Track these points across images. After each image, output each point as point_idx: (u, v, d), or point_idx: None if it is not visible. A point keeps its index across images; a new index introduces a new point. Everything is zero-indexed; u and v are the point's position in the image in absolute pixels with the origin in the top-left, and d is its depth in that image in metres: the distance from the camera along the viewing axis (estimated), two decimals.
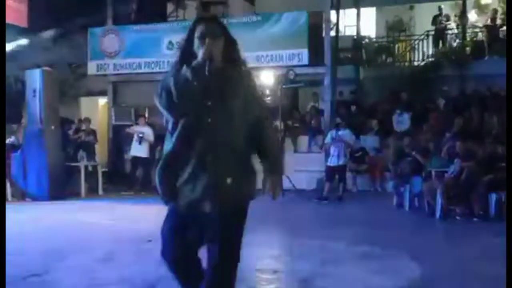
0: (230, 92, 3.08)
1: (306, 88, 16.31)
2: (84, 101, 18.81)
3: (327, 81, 15.02)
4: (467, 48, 17.85)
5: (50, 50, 16.73)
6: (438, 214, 9.84)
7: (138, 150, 14.16)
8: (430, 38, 18.59)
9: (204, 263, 3.25)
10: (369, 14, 21.27)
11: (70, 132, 15.10)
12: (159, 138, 12.33)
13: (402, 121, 15.04)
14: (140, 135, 13.97)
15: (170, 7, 18.58)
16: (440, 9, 18.69)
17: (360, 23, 19.67)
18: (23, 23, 14.24)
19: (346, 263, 6.57)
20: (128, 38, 16.20)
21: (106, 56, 16.54)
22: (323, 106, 15.68)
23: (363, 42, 19.81)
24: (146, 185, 13.81)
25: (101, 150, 16.60)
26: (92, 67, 16.79)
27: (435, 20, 18.53)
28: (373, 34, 21.04)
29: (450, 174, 10.00)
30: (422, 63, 18.37)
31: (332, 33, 15.43)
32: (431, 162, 10.76)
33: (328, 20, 15.23)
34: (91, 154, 14.92)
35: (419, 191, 10.71)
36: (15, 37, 15.34)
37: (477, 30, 18.61)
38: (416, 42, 19.15)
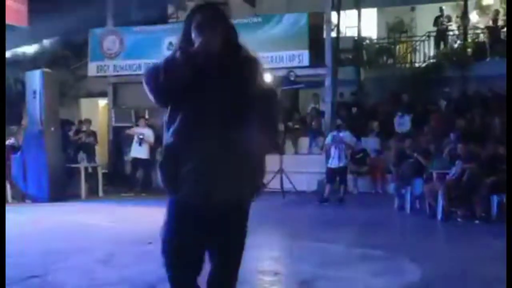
0: (230, 81, 2.96)
1: (306, 89, 16.30)
2: (84, 102, 18.80)
3: (327, 82, 15.00)
4: (469, 50, 17.84)
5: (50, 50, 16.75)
6: (439, 216, 9.80)
7: (138, 151, 14.14)
8: (432, 39, 18.61)
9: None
10: (370, 15, 21.25)
11: (71, 133, 15.09)
12: (159, 140, 12.29)
13: (403, 123, 15.03)
14: (140, 136, 13.94)
15: (170, 8, 18.58)
16: (441, 10, 18.68)
17: (361, 24, 19.67)
18: (24, 24, 14.20)
19: (347, 265, 6.53)
20: (129, 39, 16.20)
21: (106, 57, 16.52)
22: (323, 108, 15.66)
23: (364, 43, 19.81)
24: (146, 186, 13.80)
25: (101, 152, 16.59)
26: (92, 68, 16.78)
27: (437, 21, 18.52)
28: (374, 35, 21.04)
29: (451, 176, 9.95)
30: (423, 65, 18.38)
31: (333, 34, 15.42)
32: (432, 163, 10.72)
33: (329, 21, 15.21)
34: (91, 156, 14.91)
35: (420, 193, 10.67)
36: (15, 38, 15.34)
37: (479, 31, 18.62)
38: (417, 43, 19.15)
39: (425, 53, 18.69)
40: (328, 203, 11.96)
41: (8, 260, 5.00)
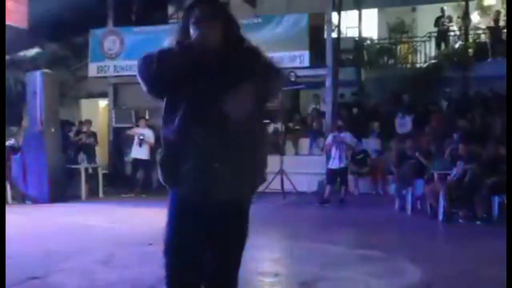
0: (231, 75, 2.87)
1: (307, 90, 16.26)
2: (85, 103, 18.79)
3: (328, 83, 14.97)
4: (470, 50, 17.81)
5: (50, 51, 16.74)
6: (440, 217, 9.76)
7: (139, 152, 14.11)
8: (433, 39, 18.58)
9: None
10: (370, 16, 21.22)
11: (71, 134, 15.08)
12: (160, 140, 12.26)
13: (404, 124, 15.01)
14: (141, 137, 13.92)
15: (171, 9, 18.57)
16: (442, 10, 18.65)
17: (362, 25, 19.64)
18: (23, 24, 14.19)
19: (347, 267, 6.51)
20: (129, 39, 16.16)
21: (107, 58, 16.50)
22: (324, 108, 15.63)
23: (365, 43, 19.79)
24: (146, 187, 13.77)
25: (102, 152, 16.57)
26: (92, 69, 16.75)
27: (438, 21, 18.49)
28: (375, 36, 21.00)
29: (452, 177, 9.92)
30: (424, 65, 18.34)
31: (334, 34, 15.38)
32: (433, 164, 10.69)
33: (330, 22, 15.18)
34: (91, 156, 14.90)
35: (421, 193, 10.65)
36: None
37: (480, 31, 18.58)
38: (418, 43, 19.12)
39: (426, 53, 18.66)
40: (329, 204, 11.93)
41: (8, 261, 5.01)
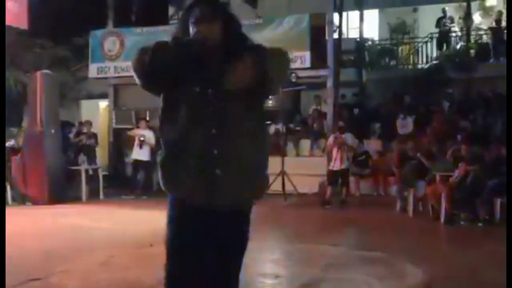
0: (233, 74, 2.80)
1: (308, 91, 16.21)
2: (85, 104, 18.79)
3: (329, 83, 14.94)
4: (472, 51, 17.79)
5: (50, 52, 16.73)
6: (442, 218, 9.72)
7: (139, 153, 14.05)
8: (434, 40, 18.54)
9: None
10: (372, 16, 21.19)
11: (71, 135, 15.06)
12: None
13: (405, 125, 14.98)
14: (141, 138, 13.87)
15: (171, 10, 18.55)
16: (444, 11, 18.63)
17: (363, 25, 19.61)
18: (24, 25, 14.17)
19: (348, 268, 6.52)
20: (129, 40, 16.11)
21: (107, 59, 16.47)
22: (325, 109, 15.59)
23: (366, 44, 19.76)
24: (147, 189, 13.72)
25: (102, 154, 16.55)
26: (92, 70, 16.71)
27: (439, 22, 18.47)
28: (376, 37, 20.98)
29: (454, 178, 9.88)
30: (426, 66, 18.30)
31: (335, 35, 15.33)
32: (435, 165, 10.65)
33: (331, 23, 15.14)
34: (92, 158, 14.89)
35: (423, 195, 10.60)
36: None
37: (482, 32, 18.55)
38: (420, 44, 19.09)
39: (428, 54, 18.64)
40: (330, 206, 11.89)
41: (9, 263, 5.02)
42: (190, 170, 2.83)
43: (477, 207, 9.57)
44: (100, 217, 10.88)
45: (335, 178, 12.10)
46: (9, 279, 4.75)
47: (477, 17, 19.66)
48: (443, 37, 18.44)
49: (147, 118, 14.73)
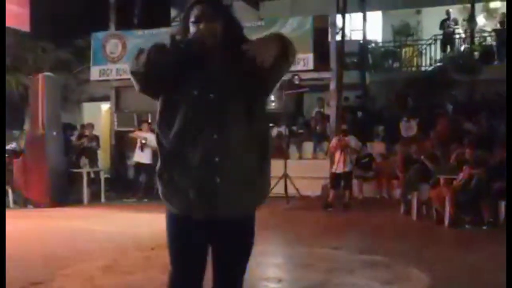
0: (235, 76, 2.74)
1: (311, 93, 16.19)
2: (87, 106, 18.75)
3: (332, 86, 14.89)
4: (476, 53, 17.72)
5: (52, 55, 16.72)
6: (446, 222, 9.67)
7: (141, 156, 14.02)
8: (438, 42, 18.48)
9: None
10: (375, 18, 21.14)
11: (73, 138, 15.03)
12: None
13: (409, 127, 14.91)
14: (143, 141, 13.83)
15: (173, 12, 18.52)
16: (448, 13, 18.56)
17: (366, 27, 19.54)
18: (25, 27, 14.14)
19: (352, 272, 6.50)
20: (131, 43, 16.09)
21: (109, 61, 16.44)
22: (328, 112, 15.54)
23: (370, 46, 19.70)
24: (149, 192, 13.66)
25: (104, 156, 16.52)
26: (94, 72, 16.69)
27: (443, 24, 18.41)
28: (379, 39, 20.93)
29: (459, 181, 9.82)
30: (430, 68, 18.24)
31: (338, 37, 15.29)
32: (439, 168, 10.60)
33: (334, 25, 15.11)
34: (93, 160, 14.85)
35: (427, 198, 10.53)
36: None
37: (486, 34, 18.49)
38: (424, 46, 19.03)
39: (431, 56, 18.58)
40: (333, 209, 11.84)
41: (10, 266, 5.00)
42: (190, 178, 2.74)
43: (481, 210, 9.51)
44: (102, 220, 10.89)
45: (337, 181, 12.05)
46: (10, 283, 4.75)
47: (481, 19, 19.61)
48: (447, 39, 18.39)
49: (149, 121, 14.68)
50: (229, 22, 2.83)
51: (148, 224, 9.56)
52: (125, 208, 12.55)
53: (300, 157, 15.44)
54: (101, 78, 16.73)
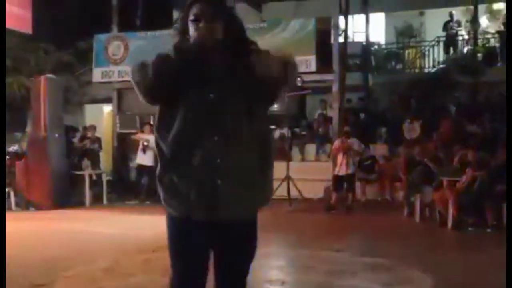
0: (235, 78, 2.69)
1: (313, 95, 16.14)
2: (89, 108, 18.75)
3: (335, 88, 14.85)
4: (479, 55, 17.68)
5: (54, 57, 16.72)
6: (450, 224, 9.62)
7: (143, 158, 14.01)
8: (441, 44, 18.44)
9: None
10: (378, 20, 21.09)
11: (75, 140, 15.02)
12: None
13: (412, 129, 14.87)
14: (145, 143, 13.82)
15: (175, 14, 18.49)
16: (451, 14, 18.53)
17: (369, 29, 19.51)
18: (27, 29, 14.13)
19: (354, 275, 6.48)
20: (133, 44, 16.09)
21: (111, 63, 16.43)
22: (331, 114, 15.51)
23: (372, 48, 19.68)
24: (151, 194, 13.64)
25: (106, 158, 16.51)
26: (96, 74, 16.67)
27: (446, 26, 18.38)
28: (382, 40, 20.90)
29: (462, 184, 9.77)
30: (433, 70, 18.20)
31: (341, 39, 15.25)
32: (442, 170, 10.56)
33: (337, 26, 15.07)
34: (95, 162, 14.83)
35: (430, 200, 10.49)
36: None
37: (489, 36, 18.44)
38: (427, 48, 18.99)
39: (435, 58, 18.54)
40: (335, 211, 11.81)
41: (12, 268, 4.98)
42: (191, 180, 2.70)
43: (485, 213, 9.46)
44: (104, 222, 10.86)
45: (340, 183, 12.03)
46: (12, 285, 4.72)
47: (484, 21, 19.55)
48: (450, 41, 18.36)
49: (151, 123, 14.65)
50: (230, 21, 2.77)
51: (150, 226, 9.52)
52: (127, 210, 12.52)
53: (303, 159, 15.42)
54: (103, 80, 16.71)
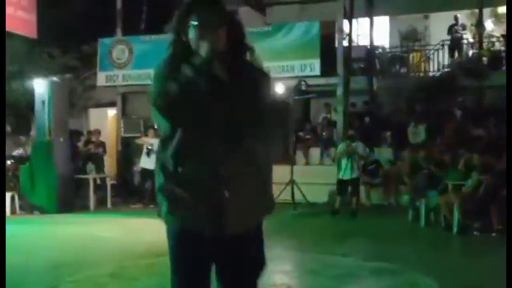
0: (236, 89, 2.59)
1: (318, 99, 16.14)
2: (93, 112, 18.75)
3: (339, 91, 14.85)
4: (484, 58, 17.59)
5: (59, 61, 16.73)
6: (455, 229, 9.60)
7: (147, 162, 13.97)
8: (446, 48, 18.38)
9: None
10: (382, 24, 21.07)
11: (80, 144, 15.02)
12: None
13: (417, 133, 14.83)
14: (149, 147, 13.81)
15: None
16: (456, 18, 18.46)
17: (374, 33, 19.48)
18: (33, 34, 14.14)
19: (359, 279, 6.53)
20: (138, 48, 16.11)
21: (115, 67, 16.44)
22: (335, 117, 15.51)
23: (377, 52, 19.62)
24: (155, 198, 13.58)
25: (110, 162, 16.51)
26: (101, 78, 16.70)
27: (451, 29, 18.30)
28: (386, 44, 20.84)
29: (467, 188, 9.74)
30: (437, 74, 18.14)
31: (345, 43, 15.25)
32: (447, 175, 10.53)
33: (341, 30, 15.07)
34: (100, 166, 14.86)
35: (435, 205, 10.45)
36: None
37: (494, 39, 18.38)
38: (431, 52, 18.92)
39: (439, 62, 18.46)
40: (340, 215, 11.78)
41: (17, 273, 4.95)
42: (198, 193, 2.61)
43: (490, 217, 9.42)
44: (108, 226, 10.88)
45: (344, 187, 11.99)
46: None
47: (489, 24, 19.50)
48: (455, 45, 18.28)
49: (156, 126, 14.65)
50: (233, 28, 2.67)
51: (154, 230, 9.39)
52: (131, 214, 12.52)
53: (307, 163, 15.39)
54: (107, 84, 16.75)
